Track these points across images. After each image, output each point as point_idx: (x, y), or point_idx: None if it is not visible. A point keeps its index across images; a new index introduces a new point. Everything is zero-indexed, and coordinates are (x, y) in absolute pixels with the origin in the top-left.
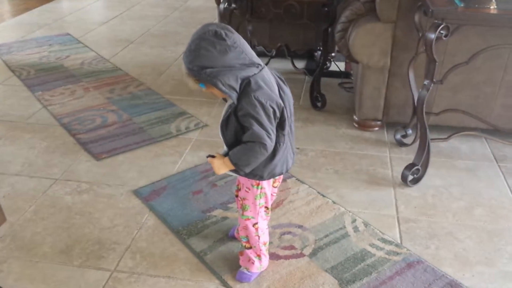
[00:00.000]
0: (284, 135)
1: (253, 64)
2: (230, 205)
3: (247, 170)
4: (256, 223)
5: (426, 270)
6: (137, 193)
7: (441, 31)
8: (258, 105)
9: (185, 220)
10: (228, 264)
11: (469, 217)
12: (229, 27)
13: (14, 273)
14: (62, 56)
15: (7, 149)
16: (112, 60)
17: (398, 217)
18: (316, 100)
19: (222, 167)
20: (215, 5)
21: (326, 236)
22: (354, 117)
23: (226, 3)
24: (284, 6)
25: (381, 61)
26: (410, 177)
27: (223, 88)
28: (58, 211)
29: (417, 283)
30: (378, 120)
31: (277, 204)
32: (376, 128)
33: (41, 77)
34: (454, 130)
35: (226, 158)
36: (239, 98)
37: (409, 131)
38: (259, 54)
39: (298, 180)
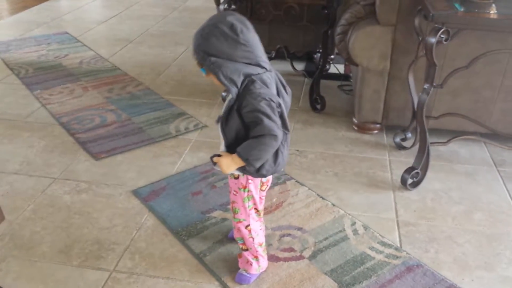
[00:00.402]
0: (286, 133)
1: (258, 65)
2: (229, 207)
3: (258, 164)
4: (248, 225)
5: (425, 274)
6: (136, 193)
7: (442, 35)
8: (264, 100)
9: (184, 221)
10: (227, 266)
11: (468, 221)
12: (249, 23)
13: (12, 272)
14: (61, 54)
15: (5, 148)
16: (110, 59)
17: (397, 221)
18: (316, 102)
19: (231, 164)
20: (215, 6)
21: (326, 238)
22: (354, 119)
23: (226, 4)
24: (284, 8)
25: (381, 64)
26: (410, 181)
27: (223, 79)
28: (57, 211)
29: (417, 287)
30: (378, 123)
31: (276, 206)
32: (376, 131)
33: (40, 75)
34: (454, 134)
35: (235, 155)
36: (242, 95)
37: (409, 135)
38: None
39: (298, 182)
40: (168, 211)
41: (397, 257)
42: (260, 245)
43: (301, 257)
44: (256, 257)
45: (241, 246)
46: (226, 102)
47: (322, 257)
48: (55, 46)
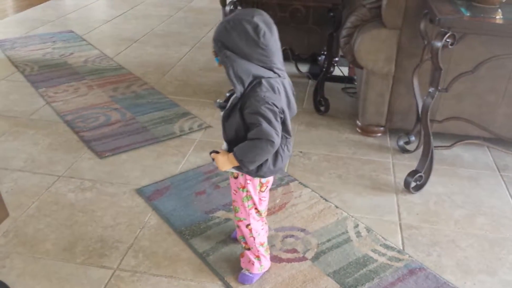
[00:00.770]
0: (287, 138)
1: (271, 69)
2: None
3: (251, 167)
4: (249, 224)
5: (428, 277)
6: (140, 192)
7: (447, 40)
8: (267, 104)
9: (188, 220)
10: (230, 266)
11: (471, 225)
12: (274, 27)
13: (16, 269)
14: (66, 53)
15: (10, 145)
16: (115, 58)
17: (400, 224)
18: (320, 105)
19: (226, 163)
20: (220, 6)
21: (329, 240)
22: (357, 122)
23: (232, 5)
24: (290, 10)
25: (386, 67)
26: (413, 184)
27: (232, 76)
28: (61, 208)
29: None
30: (381, 126)
31: (279, 207)
32: (379, 134)
33: (45, 73)
34: (457, 138)
35: (231, 154)
36: (246, 95)
37: (412, 138)
38: None
39: (301, 184)
40: (172, 210)
41: (400, 260)
42: (262, 244)
43: (304, 259)
44: (257, 257)
45: (243, 245)
46: (231, 99)
47: (325, 258)
48: (60, 44)
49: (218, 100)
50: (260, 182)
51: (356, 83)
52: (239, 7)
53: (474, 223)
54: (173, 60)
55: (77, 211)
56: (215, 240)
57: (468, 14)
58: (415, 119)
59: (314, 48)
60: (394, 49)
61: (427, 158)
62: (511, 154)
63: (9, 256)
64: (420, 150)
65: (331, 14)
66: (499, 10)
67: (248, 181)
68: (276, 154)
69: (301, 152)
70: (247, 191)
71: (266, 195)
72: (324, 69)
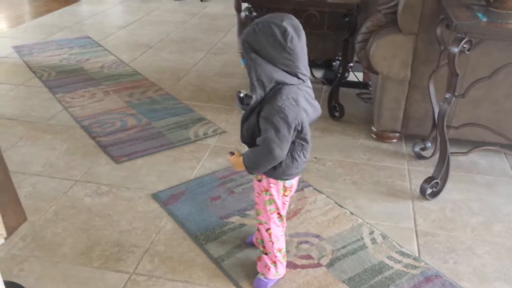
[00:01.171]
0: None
1: (296, 76)
2: (247, 212)
3: (255, 172)
4: (269, 229)
5: (444, 284)
6: (156, 197)
7: (464, 45)
8: (281, 114)
9: (203, 225)
10: (245, 271)
11: (487, 232)
12: (303, 33)
13: (34, 272)
14: (83, 59)
15: (28, 150)
16: (131, 64)
17: (416, 230)
18: (334, 110)
19: (238, 165)
20: (234, 12)
21: (344, 247)
22: (373, 128)
23: (247, 11)
24: (305, 16)
25: (402, 73)
26: (429, 191)
27: (254, 79)
28: (78, 213)
29: None
30: (397, 132)
31: (294, 213)
32: (395, 140)
33: (62, 79)
34: (474, 145)
35: (241, 158)
36: (266, 100)
37: (428, 144)
38: None
39: (316, 190)
40: (187, 215)
41: (416, 267)
42: (279, 250)
43: (318, 265)
44: (274, 262)
45: (261, 248)
46: (253, 101)
47: (339, 265)
48: (77, 50)
49: (242, 92)
50: (284, 186)
51: (371, 89)
52: (254, 13)
53: (491, 230)
54: (188, 65)
55: (94, 215)
56: (230, 246)
57: (485, 20)
58: (431, 125)
59: (329, 54)
60: (410, 55)
61: (443, 165)
62: None
63: (28, 260)
64: (436, 156)
65: (346, 19)
66: None
67: (272, 185)
68: (292, 160)
69: (315, 158)
70: (270, 194)
71: (288, 199)
72: (339, 75)
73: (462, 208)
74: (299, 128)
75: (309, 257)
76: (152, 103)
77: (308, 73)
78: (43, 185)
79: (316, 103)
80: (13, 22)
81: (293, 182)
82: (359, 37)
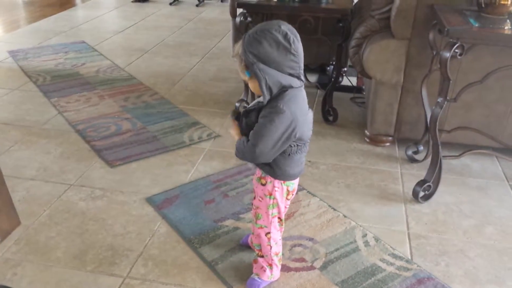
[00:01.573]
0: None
1: (298, 78)
2: (241, 216)
3: (238, 157)
4: (269, 233)
5: (436, 287)
6: (150, 200)
7: (456, 50)
8: (280, 115)
9: (197, 229)
10: (239, 274)
11: (479, 235)
12: (297, 34)
13: (27, 276)
14: (78, 63)
15: (22, 154)
16: (126, 69)
17: (408, 233)
18: (328, 114)
19: (235, 136)
20: (229, 17)
21: (337, 249)
22: (366, 132)
23: (242, 17)
24: (300, 21)
25: (395, 78)
26: (421, 194)
27: (264, 88)
28: (72, 217)
29: None
30: (390, 136)
31: (288, 216)
32: (388, 144)
33: (57, 83)
34: (466, 148)
35: (238, 137)
36: (270, 101)
37: (421, 148)
38: None
39: (309, 193)
40: (181, 219)
41: (408, 270)
42: (276, 254)
43: (312, 268)
44: (270, 265)
45: (257, 251)
46: (256, 101)
47: (333, 268)
48: (72, 54)
49: (242, 106)
50: (287, 190)
51: (364, 93)
52: (249, 18)
53: (483, 233)
54: (183, 70)
55: (88, 219)
56: (224, 249)
57: (476, 25)
58: (423, 129)
59: (323, 58)
60: (403, 60)
61: (435, 168)
62: None
63: (21, 264)
64: (429, 160)
65: (340, 24)
66: (508, 20)
67: (276, 188)
68: (290, 160)
69: (309, 161)
70: (274, 198)
71: (289, 203)
72: (332, 79)
73: (454, 211)
74: (295, 134)
75: (302, 260)
76: (147, 107)
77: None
78: (37, 189)
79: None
80: (9, 27)
81: (295, 186)
82: (353, 42)
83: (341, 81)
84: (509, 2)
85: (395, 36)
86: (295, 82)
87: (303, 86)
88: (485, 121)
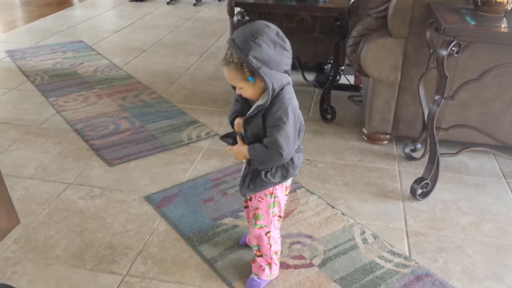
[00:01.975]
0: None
1: (287, 73)
2: (240, 214)
3: (260, 167)
4: (269, 232)
5: (434, 283)
6: (149, 199)
7: (453, 48)
8: (289, 113)
9: (196, 227)
10: (238, 272)
11: (477, 232)
12: None
13: (27, 275)
14: (76, 62)
15: (21, 153)
16: (124, 68)
17: (407, 230)
18: (326, 113)
19: (240, 155)
20: (226, 16)
21: (335, 247)
22: (364, 130)
23: (240, 16)
24: (297, 20)
25: (392, 76)
26: (419, 191)
27: (271, 91)
28: (71, 215)
29: None
30: (388, 134)
31: (286, 214)
32: (385, 142)
33: (55, 83)
34: (463, 146)
35: (245, 148)
36: (271, 102)
37: (418, 146)
38: None
39: (308, 191)
40: (180, 217)
41: (406, 266)
42: (276, 253)
43: (311, 265)
44: (269, 264)
45: (255, 252)
46: (255, 106)
47: (331, 265)
48: (70, 54)
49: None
50: (285, 185)
51: (362, 91)
52: (246, 17)
53: (481, 230)
54: (181, 69)
55: (87, 218)
56: (223, 247)
57: (473, 23)
58: (421, 126)
59: (321, 57)
60: (400, 58)
61: (433, 166)
62: None
63: (20, 262)
64: (426, 157)
65: (338, 23)
66: (504, 19)
67: (277, 187)
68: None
69: (307, 159)
70: (275, 197)
71: (286, 199)
72: (330, 78)
73: (452, 208)
74: (300, 121)
75: (301, 257)
76: (145, 106)
77: None
78: (36, 188)
79: None
80: (6, 26)
81: (290, 181)
82: (350, 41)
83: (338, 80)
84: (505, 1)
85: (392, 35)
86: (287, 78)
87: None
88: (482, 118)
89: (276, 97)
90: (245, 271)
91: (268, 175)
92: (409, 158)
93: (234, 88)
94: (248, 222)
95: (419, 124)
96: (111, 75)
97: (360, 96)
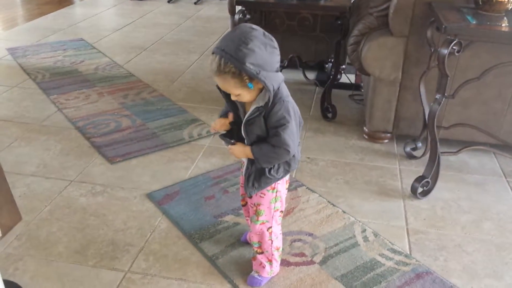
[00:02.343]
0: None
1: (279, 70)
2: (241, 211)
3: (265, 166)
4: (270, 227)
5: (434, 281)
6: (150, 196)
7: (454, 47)
8: (290, 111)
9: (197, 224)
10: (239, 269)
11: (477, 230)
12: None
13: (29, 271)
14: (77, 60)
15: (23, 150)
16: (125, 66)
17: (407, 228)
18: (327, 111)
19: (242, 154)
20: (227, 15)
21: (336, 244)
22: (364, 128)
23: (241, 14)
24: (298, 18)
25: (393, 75)
26: (420, 189)
27: (272, 94)
28: (73, 212)
29: None
30: (388, 133)
31: (287, 212)
32: (386, 140)
33: (56, 80)
34: (464, 144)
35: (248, 148)
36: (271, 102)
37: (419, 144)
38: None
39: (309, 189)
40: (182, 214)
41: (407, 264)
42: (277, 249)
43: (312, 262)
44: (270, 261)
45: (256, 249)
46: (254, 108)
47: (332, 262)
48: (71, 52)
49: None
50: (285, 179)
51: (362, 90)
52: (247, 16)
53: (481, 228)
54: (182, 67)
55: (89, 215)
56: (224, 244)
57: (474, 22)
58: (421, 125)
59: (322, 56)
60: (401, 57)
61: (433, 164)
62: None
63: (22, 259)
64: (427, 156)
65: (339, 22)
66: (505, 18)
67: (278, 182)
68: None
69: (308, 158)
70: (277, 191)
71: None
72: (331, 77)
73: (452, 206)
74: (299, 115)
75: (302, 254)
76: (147, 105)
77: None
78: (38, 185)
79: None
80: (7, 24)
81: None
82: (351, 40)
83: (339, 78)
84: (506, 0)
85: (393, 34)
86: (282, 75)
87: None
88: (482, 117)
89: (275, 97)
90: (246, 268)
91: (272, 171)
92: (410, 156)
93: (221, 92)
94: (247, 220)
95: (419, 123)
96: (112, 73)
97: (361, 95)
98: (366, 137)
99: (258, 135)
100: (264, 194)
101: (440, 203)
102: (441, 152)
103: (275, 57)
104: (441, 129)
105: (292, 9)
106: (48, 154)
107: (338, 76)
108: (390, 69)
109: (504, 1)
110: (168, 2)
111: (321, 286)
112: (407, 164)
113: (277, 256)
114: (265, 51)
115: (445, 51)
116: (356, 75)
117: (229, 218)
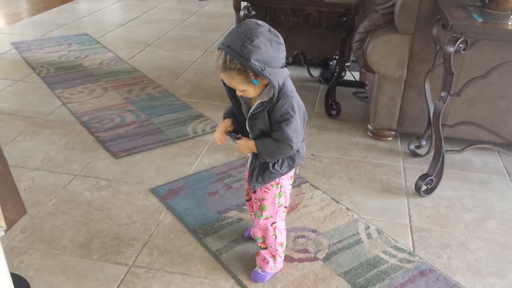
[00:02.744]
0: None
1: (284, 65)
2: (245, 207)
3: (269, 160)
4: (274, 222)
5: (438, 278)
6: (154, 191)
7: (460, 45)
8: (295, 106)
9: (201, 219)
10: (243, 264)
11: (481, 229)
12: None
13: (34, 264)
14: (81, 55)
15: (27, 144)
16: (130, 61)
17: (411, 226)
18: (331, 108)
19: (246, 148)
20: (232, 11)
21: (340, 241)
22: (369, 126)
23: (246, 10)
24: (303, 15)
25: (398, 72)
26: (424, 187)
27: (277, 90)
28: (78, 206)
29: None
30: (393, 130)
31: (291, 208)
32: (390, 138)
33: (61, 75)
34: (468, 143)
35: (252, 142)
36: (276, 98)
37: (423, 142)
38: None
39: (313, 186)
40: (186, 209)
41: (410, 262)
42: (281, 245)
43: (315, 259)
44: (273, 256)
45: (260, 244)
46: (258, 102)
47: (336, 259)
48: (75, 47)
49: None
50: (290, 175)
51: (367, 88)
52: (253, 12)
53: (484, 227)
54: (186, 63)
55: (93, 209)
56: (228, 239)
57: (480, 20)
58: (426, 123)
59: (326, 53)
60: (406, 54)
61: (438, 162)
62: None
63: (27, 252)
64: (431, 154)
65: (344, 19)
66: (511, 16)
67: (283, 177)
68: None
69: (312, 155)
70: (281, 186)
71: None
72: (336, 74)
73: (456, 204)
74: (303, 110)
75: (306, 251)
76: (151, 100)
77: None
78: (43, 179)
79: None
80: (11, 19)
81: (293, 170)
82: (356, 37)
83: (344, 76)
84: None
85: (398, 31)
86: (287, 70)
87: None
88: (487, 116)
89: (280, 92)
90: (250, 263)
91: (276, 166)
92: (414, 154)
93: (226, 88)
94: (251, 215)
95: (424, 121)
96: (116, 68)
97: (365, 93)
98: (370, 134)
99: (262, 130)
100: (269, 189)
101: (444, 201)
102: (446, 150)
103: (281, 53)
104: (446, 127)
105: (298, 6)
106: (52, 148)
107: (343, 73)
108: (395, 66)
109: (510, 0)
110: None
111: (325, 283)
112: (411, 162)
113: (280, 252)
114: (271, 47)
115: (451, 49)
116: (360, 72)
117: (233, 214)
